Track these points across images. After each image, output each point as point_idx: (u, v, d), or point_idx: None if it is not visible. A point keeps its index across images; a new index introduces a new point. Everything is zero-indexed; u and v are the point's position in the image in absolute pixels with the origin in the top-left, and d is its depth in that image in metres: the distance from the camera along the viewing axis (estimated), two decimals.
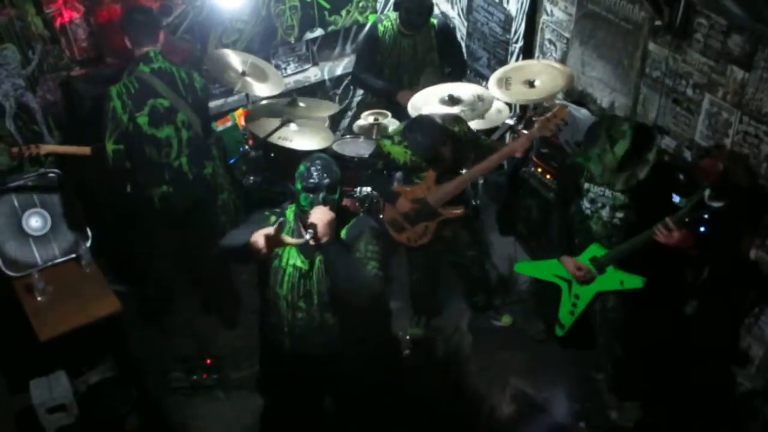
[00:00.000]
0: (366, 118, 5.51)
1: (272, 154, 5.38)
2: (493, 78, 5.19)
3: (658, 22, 4.49)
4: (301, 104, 5.00)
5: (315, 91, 6.31)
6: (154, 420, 4.56)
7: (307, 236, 3.20)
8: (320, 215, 3.23)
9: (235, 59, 5.36)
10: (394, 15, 5.52)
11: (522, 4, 5.62)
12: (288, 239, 3.27)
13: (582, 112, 5.04)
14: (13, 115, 4.99)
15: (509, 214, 5.76)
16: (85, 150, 4.69)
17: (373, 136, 5.41)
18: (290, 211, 3.54)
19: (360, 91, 6.55)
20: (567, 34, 5.34)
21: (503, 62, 5.97)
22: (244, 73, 5.29)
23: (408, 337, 5.19)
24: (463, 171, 4.64)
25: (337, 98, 6.46)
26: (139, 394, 4.50)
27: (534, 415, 2.54)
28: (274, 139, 5.21)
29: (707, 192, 3.65)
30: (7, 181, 4.69)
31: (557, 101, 5.21)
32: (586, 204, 4.12)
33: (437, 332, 5.28)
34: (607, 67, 5.08)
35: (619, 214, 4.03)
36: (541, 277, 4.61)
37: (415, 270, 5.03)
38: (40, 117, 5.11)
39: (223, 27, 5.71)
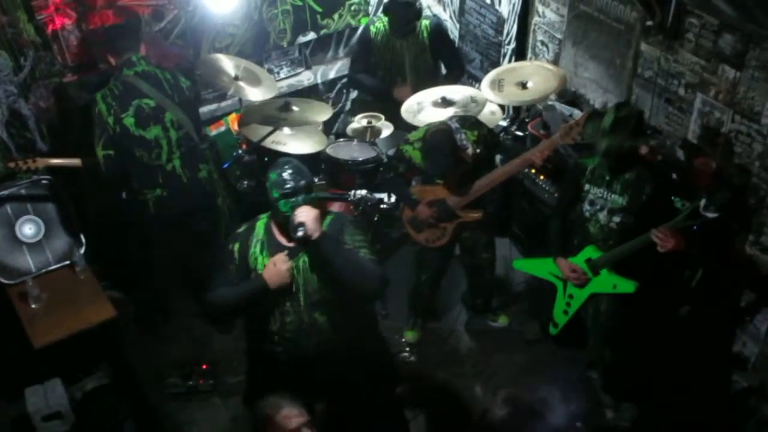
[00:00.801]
0: (359, 121, 5.51)
1: (266, 159, 5.37)
2: (486, 80, 5.20)
3: (649, 23, 4.50)
4: (295, 108, 4.99)
5: (308, 95, 6.30)
6: (150, 426, 4.54)
7: (300, 234, 3.22)
8: (306, 213, 3.27)
9: (227, 64, 5.35)
10: (386, 17, 5.52)
11: (514, 6, 5.63)
12: (281, 258, 3.37)
13: (575, 114, 5.04)
14: (5, 122, 4.98)
15: (504, 215, 5.76)
16: (76, 162, 4.68)
17: (367, 139, 5.41)
18: (261, 223, 3.56)
19: (353, 95, 6.55)
20: (559, 36, 5.35)
21: (496, 64, 5.98)
22: (237, 78, 5.29)
23: (404, 340, 5.19)
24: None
25: (330, 101, 6.46)
26: (135, 401, 4.48)
27: (526, 418, 2.53)
28: (268, 143, 5.21)
29: (703, 202, 3.67)
30: (0, 188, 4.68)
31: (550, 102, 5.23)
32: (586, 206, 4.13)
33: (433, 334, 5.28)
34: (599, 67, 5.09)
35: (617, 218, 4.05)
36: (538, 274, 4.61)
37: (426, 270, 5.01)
38: (33, 124, 5.10)
39: (216, 31, 5.70)
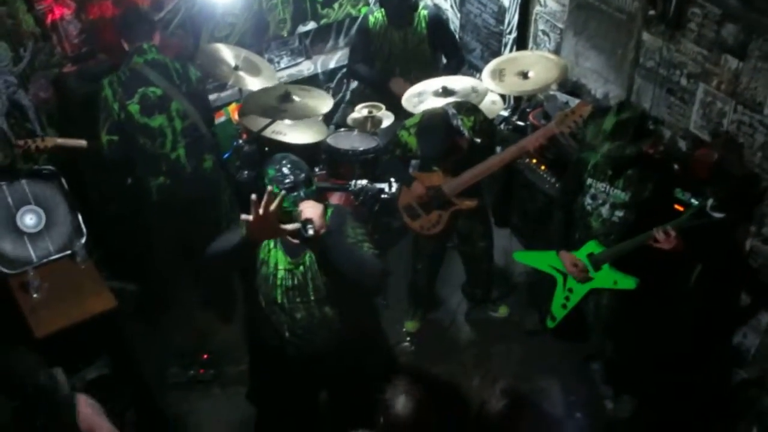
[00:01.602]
0: (360, 111, 5.50)
1: (266, 148, 5.36)
2: (487, 70, 5.19)
3: (651, 12, 4.49)
4: (295, 98, 4.98)
5: (308, 85, 6.28)
6: (151, 416, 4.55)
7: (310, 233, 3.13)
8: (312, 209, 3.20)
9: (227, 54, 5.34)
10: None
11: None
12: (286, 227, 3.15)
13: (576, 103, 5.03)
14: (5, 113, 4.97)
15: (504, 206, 5.76)
16: (81, 143, 4.67)
17: (368, 129, 5.39)
18: None
19: (353, 85, 6.54)
20: (560, 25, 5.33)
21: (497, 54, 5.96)
22: (236, 68, 5.27)
23: (404, 330, 5.20)
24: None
25: (330, 91, 6.45)
26: (135, 391, 4.49)
27: (525, 410, 2.54)
28: (268, 133, 5.20)
29: (710, 201, 3.65)
30: (0, 178, 4.67)
31: (552, 92, 5.22)
32: (588, 200, 4.12)
33: (433, 324, 5.29)
34: (600, 57, 5.08)
35: (619, 213, 4.03)
36: (538, 267, 4.61)
37: (421, 259, 5.02)
38: (33, 114, 5.09)
39: (215, 21, 5.69)
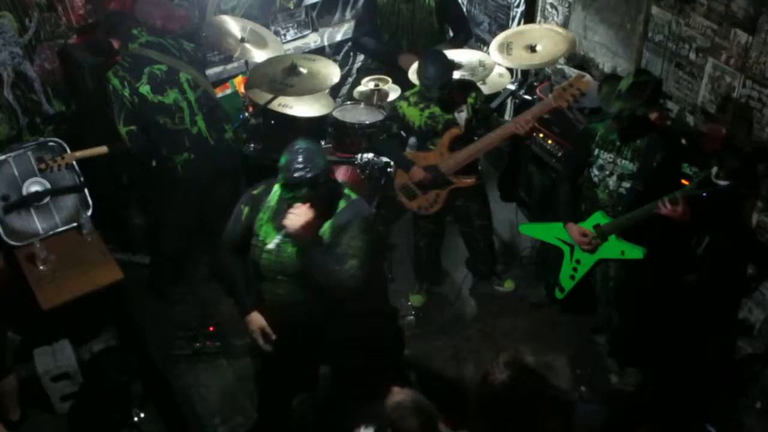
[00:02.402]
0: (366, 84, 5.48)
1: (272, 121, 5.35)
2: (495, 43, 5.16)
3: None
4: (302, 70, 4.95)
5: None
6: (157, 387, 4.58)
7: (274, 242, 3.21)
8: (295, 218, 3.17)
9: (233, 26, 5.31)
10: None
11: None
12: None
13: (585, 77, 5.00)
14: (11, 84, 4.96)
15: (511, 180, 5.75)
16: (102, 150, 4.66)
17: (374, 102, 5.37)
18: (278, 187, 3.42)
19: (360, 57, 6.51)
20: None
21: (504, 27, 5.92)
22: (243, 40, 5.25)
23: (410, 304, 5.21)
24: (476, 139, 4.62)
25: (337, 64, 6.42)
26: (142, 362, 4.52)
27: (529, 382, 2.54)
28: (275, 106, 5.19)
29: (714, 170, 3.63)
30: (7, 150, 4.67)
31: (559, 66, 5.18)
32: (594, 171, 4.10)
33: (439, 298, 5.30)
34: (609, 31, 5.04)
35: (626, 184, 4.01)
36: (545, 239, 4.60)
37: (422, 237, 5.02)
38: (38, 86, 5.09)
39: None
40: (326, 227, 3.34)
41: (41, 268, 4.44)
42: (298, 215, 3.18)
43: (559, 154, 5.05)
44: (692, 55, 4.45)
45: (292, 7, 6.08)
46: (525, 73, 5.76)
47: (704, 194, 3.67)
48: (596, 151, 4.06)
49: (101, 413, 4.36)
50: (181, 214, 4.91)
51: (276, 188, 3.44)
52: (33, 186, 4.66)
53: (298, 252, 3.32)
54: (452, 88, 4.45)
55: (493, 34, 5.64)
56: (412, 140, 4.83)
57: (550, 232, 4.49)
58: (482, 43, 6.21)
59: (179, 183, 4.70)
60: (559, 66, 5.21)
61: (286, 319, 3.56)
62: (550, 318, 5.04)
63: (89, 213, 4.73)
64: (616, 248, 4.12)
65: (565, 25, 5.40)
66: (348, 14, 6.43)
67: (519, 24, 5.80)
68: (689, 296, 4.45)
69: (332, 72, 5.04)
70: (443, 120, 4.49)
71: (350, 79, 6.63)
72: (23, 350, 4.54)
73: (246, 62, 5.45)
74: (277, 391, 4.03)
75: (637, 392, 4.54)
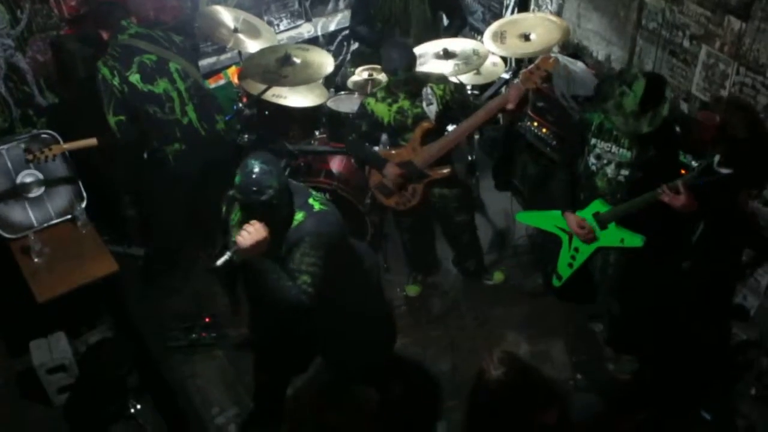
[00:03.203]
0: (360, 74, 5.47)
1: (266, 112, 5.34)
2: (488, 32, 5.14)
3: None
4: (296, 60, 4.94)
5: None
6: (153, 379, 4.59)
7: (222, 259, 3.16)
8: (247, 236, 3.12)
9: (226, 16, 5.29)
10: None
11: None
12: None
13: (578, 65, 5.00)
14: (3, 76, 4.94)
15: (505, 169, 5.75)
16: (92, 142, 4.65)
17: (368, 92, 5.36)
18: None
19: (354, 47, 6.49)
20: None
21: (498, 16, 5.92)
22: (236, 30, 5.22)
23: (404, 294, 5.21)
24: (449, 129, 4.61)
25: (330, 54, 6.41)
26: (138, 354, 4.52)
27: (523, 378, 2.56)
28: (269, 96, 5.18)
29: (716, 158, 3.61)
30: (0, 142, 4.66)
31: (553, 54, 5.18)
32: (592, 160, 4.08)
33: (434, 288, 5.30)
34: (603, 19, 5.04)
35: (624, 172, 3.99)
36: (542, 227, 4.59)
37: (404, 232, 5.02)
38: (31, 78, 5.06)
39: None
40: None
41: (36, 260, 4.44)
42: (250, 234, 3.13)
43: (554, 142, 5.06)
44: (686, 43, 4.44)
45: None
46: (519, 61, 5.76)
47: (704, 182, 3.67)
48: (593, 141, 4.05)
49: (97, 405, 4.36)
50: (173, 204, 4.90)
51: None
52: (26, 178, 4.65)
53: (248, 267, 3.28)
54: (415, 76, 4.42)
55: (487, 23, 5.63)
56: (384, 137, 4.81)
57: (548, 220, 4.48)
58: (476, 32, 6.20)
59: (170, 174, 4.69)
60: (553, 54, 5.20)
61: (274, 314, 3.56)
62: (545, 306, 5.05)
63: (83, 205, 4.73)
64: (615, 236, 4.12)
65: (558, 13, 5.39)
66: (341, 4, 6.41)
67: (513, 13, 5.80)
68: (685, 283, 4.46)
69: (326, 62, 5.02)
70: (412, 114, 4.44)
71: (344, 69, 6.62)
72: (18, 343, 4.54)
73: (239, 53, 5.43)
74: (272, 377, 4.04)
75: (633, 380, 4.56)
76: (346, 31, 6.31)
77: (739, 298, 4.46)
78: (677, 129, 4.32)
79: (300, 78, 4.92)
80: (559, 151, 4.94)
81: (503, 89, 5.60)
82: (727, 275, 4.46)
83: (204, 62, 5.65)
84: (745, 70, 4.09)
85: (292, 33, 6.24)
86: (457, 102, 4.53)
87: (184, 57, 4.59)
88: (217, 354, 4.83)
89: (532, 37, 4.99)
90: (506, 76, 5.53)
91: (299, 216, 3.32)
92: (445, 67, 4.92)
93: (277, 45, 5.35)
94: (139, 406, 4.40)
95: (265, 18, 5.97)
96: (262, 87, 5.07)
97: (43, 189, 4.68)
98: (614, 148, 3.98)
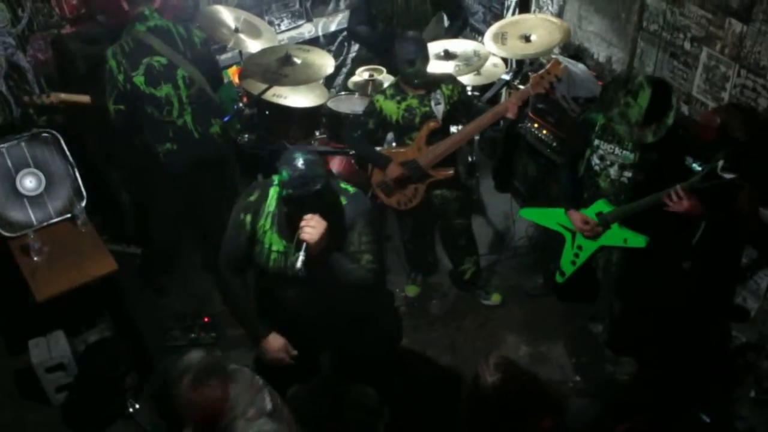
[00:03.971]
0: (361, 75, 5.46)
1: (267, 112, 5.34)
2: (489, 33, 5.15)
3: None
4: (296, 60, 4.94)
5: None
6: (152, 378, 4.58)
7: (300, 260, 3.11)
8: (311, 231, 3.11)
9: (227, 16, 5.29)
10: None
11: None
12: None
13: (579, 67, 5.00)
14: (4, 74, 4.94)
15: (505, 171, 5.75)
16: (85, 98, 4.68)
17: (369, 92, 5.36)
18: (273, 192, 3.39)
19: (355, 48, 6.49)
20: None
21: (499, 17, 5.91)
22: (237, 30, 5.23)
23: (404, 294, 5.21)
24: (453, 131, 4.61)
25: (331, 54, 6.40)
26: (137, 353, 4.52)
27: (519, 383, 2.56)
28: (269, 96, 5.18)
29: (720, 163, 3.60)
30: (0, 141, 4.66)
31: (553, 56, 5.17)
32: (595, 160, 4.08)
33: (434, 289, 5.30)
34: (604, 20, 5.03)
35: (628, 173, 3.99)
36: (546, 224, 4.59)
37: (405, 231, 5.02)
38: (32, 76, 5.07)
39: None
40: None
41: (35, 259, 4.43)
42: (315, 227, 3.12)
43: (554, 144, 5.06)
44: (687, 45, 4.44)
45: None
46: (520, 63, 5.75)
47: (706, 187, 3.66)
48: (596, 142, 4.04)
49: (96, 404, 4.36)
50: (165, 202, 4.91)
51: (272, 192, 3.40)
52: (27, 177, 4.65)
53: (313, 262, 3.24)
54: (428, 77, 4.43)
55: (488, 24, 5.63)
56: (390, 136, 4.81)
57: (552, 217, 4.48)
58: (477, 33, 6.20)
59: (161, 171, 4.70)
60: (553, 56, 5.20)
61: (298, 318, 3.55)
62: (545, 308, 5.05)
63: (83, 204, 4.72)
64: (618, 236, 4.12)
65: (559, 14, 5.39)
66: (342, 4, 6.42)
67: (514, 14, 5.80)
68: (685, 284, 4.45)
69: (326, 62, 5.03)
70: (420, 113, 4.44)
71: (344, 69, 6.62)
72: (17, 341, 4.54)
73: (240, 52, 5.43)
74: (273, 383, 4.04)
75: (632, 382, 4.56)
76: (347, 31, 6.31)
77: (739, 301, 4.46)
78: (681, 131, 4.32)
79: (300, 78, 4.92)
80: (560, 152, 4.94)
81: (503, 91, 5.62)
82: (727, 277, 4.46)
83: None
84: (746, 72, 4.09)
85: (293, 33, 6.24)
86: (462, 103, 4.54)
87: (196, 62, 4.56)
88: (216, 354, 4.82)
89: (533, 38, 4.99)
90: (507, 77, 5.52)
91: (342, 200, 3.36)
92: (446, 68, 4.93)
93: (278, 45, 5.36)
94: (137, 406, 4.39)
95: (266, 18, 5.97)
96: (263, 87, 5.08)
97: (43, 188, 4.67)
98: (617, 150, 3.97)
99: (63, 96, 4.63)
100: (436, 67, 4.92)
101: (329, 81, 6.33)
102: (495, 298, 5.17)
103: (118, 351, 4.44)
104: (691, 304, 4.49)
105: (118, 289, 4.59)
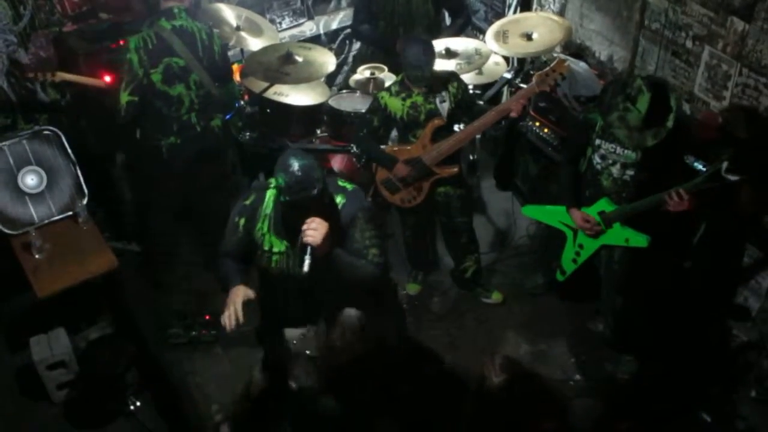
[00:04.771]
0: (362, 73, 5.46)
1: (268, 110, 5.34)
2: (491, 31, 5.15)
3: None
4: (298, 58, 4.94)
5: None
6: (152, 375, 4.59)
7: (307, 263, 3.11)
8: (314, 233, 3.13)
9: (229, 14, 5.29)
10: None
11: None
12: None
13: (580, 65, 4.99)
14: (5, 72, 4.94)
15: (506, 169, 5.74)
16: (100, 82, 4.67)
17: (370, 91, 5.36)
18: (270, 195, 3.40)
19: (356, 46, 6.49)
20: None
21: (501, 15, 5.91)
22: (238, 28, 5.23)
23: (405, 293, 5.21)
24: (457, 128, 4.61)
25: (332, 53, 6.40)
26: (138, 350, 4.52)
27: (524, 384, 2.56)
28: (270, 94, 5.18)
29: (725, 164, 3.59)
30: (2, 139, 4.66)
31: (555, 54, 5.17)
32: (597, 159, 4.07)
33: (434, 287, 5.30)
34: (605, 19, 5.03)
35: (630, 172, 3.98)
36: (547, 221, 4.58)
37: (407, 228, 5.02)
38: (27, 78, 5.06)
39: None
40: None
41: (37, 256, 4.43)
42: (317, 230, 3.14)
43: (555, 143, 5.05)
44: (689, 43, 4.44)
45: None
46: (521, 61, 5.75)
47: (713, 188, 3.65)
48: (597, 141, 4.04)
49: (97, 402, 4.36)
50: (165, 195, 4.93)
51: (269, 195, 3.41)
52: (28, 174, 4.65)
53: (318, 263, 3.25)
54: (434, 73, 4.44)
55: (489, 22, 5.62)
56: (394, 134, 4.81)
57: (553, 215, 4.48)
58: (478, 31, 6.19)
59: (162, 163, 4.71)
60: (555, 54, 5.19)
61: (302, 316, 3.55)
62: (545, 306, 5.05)
63: (85, 201, 4.73)
64: (620, 235, 4.12)
65: (561, 13, 5.38)
66: (343, 2, 6.42)
67: (515, 12, 5.79)
68: (686, 283, 4.46)
69: (328, 60, 5.03)
70: (425, 110, 4.44)
71: (346, 68, 6.62)
72: (18, 339, 4.54)
73: (241, 50, 5.43)
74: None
75: (632, 381, 4.55)
76: (348, 30, 6.30)
77: (740, 300, 4.46)
78: (682, 130, 4.32)
79: (302, 76, 4.93)
80: (561, 151, 4.94)
81: (505, 89, 5.61)
82: (728, 276, 4.45)
83: None
84: (748, 71, 4.08)
85: (295, 31, 6.24)
86: (465, 101, 4.54)
87: (209, 69, 4.58)
88: (216, 351, 4.83)
89: (535, 36, 4.99)
90: (508, 75, 5.52)
91: (339, 199, 3.37)
92: (448, 67, 4.93)
93: (280, 43, 5.36)
94: (138, 403, 4.40)
95: (268, 16, 5.98)
96: (264, 85, 5.08)
97: (44, 185, 4.67)
98: (619, 149, 3.97)
99: (67, 76, 4.64)
100: (437, 65, 4.91)
101: (330, 79, 6.33)
102: (496, 297, 5.17)
103: (119, 348, 4.44)
104: (692, 303, 4.49)
105: (119, 286, 4.59)
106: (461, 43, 5.18)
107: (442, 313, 5.11)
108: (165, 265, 5.32)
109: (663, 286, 4.50)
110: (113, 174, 5.41)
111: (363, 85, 5.44)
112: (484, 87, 5.53)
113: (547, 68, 4.30)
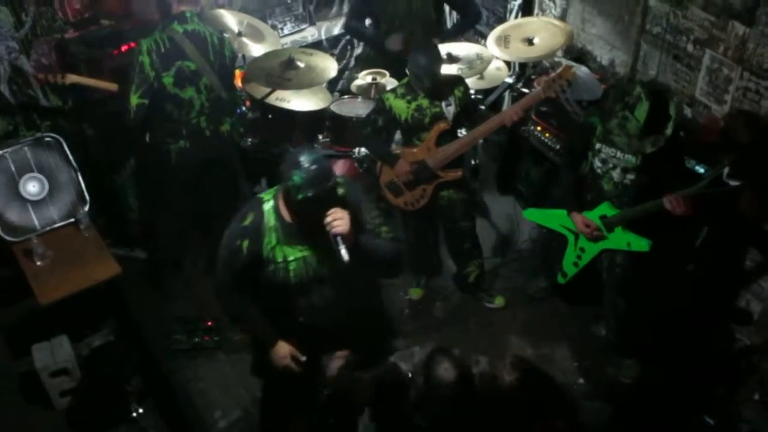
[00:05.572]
0: (364, 78, 5.46)
1: (270, 116, 5.34)
2: (492, 36, 5.15)
3: None
4: (299, 64, 4.94)
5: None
6: (155, 382, 4.59)
7: (344, 252, 3.10)
8: (340, 222, 3.14)
9: (231, 20, 5.30)
10: None
11: None
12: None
13: (582, 70, 5.00)
14: (7, 79, 4.95)
15: (508, 173, 5.75)
16: (113, 86, 4.68)
17: (372, 96, 5.36)
18: (269, 208, 3.35)
19: (357, 51, 6.49)
20: None
21: (502, 20, 5.91)
22: (240, 34, 5.24)
23: (408, 297, 5.21)
24: (462, 133, 4.61)
25: (334, 58, 6.40)
26: (141, 357, 4.52)
27: (537, 383, 2.56)
28: (272, 100, 5.18)
29: (726, 169, 3.59)
30: (4, 146, 4.66)
31: (557, 59, 5.18)
32: (597, 163, 4.08)
33: (437, 291, 5.29)
34: (607, 23, 5.03)
35: (630, 176, 3.99)
36: (549, 225, 4.59)
37: (410, 232, 5.01)
38: (35, 81, 5.07)
39: None
40: None
41: (38, 263, 4.43)
42: (342, 218, 3.15)
43: (557, 147, 5.06)
44: (690, 47, 4.44)
45: (289, 1, 6.06)
46: (523, 66, 5.75)
47: (714, 193, 3.65)
48: (598, 145, 4.04)
49: (100, 409, 4.36)
50: (173, 200, 4.92)
51: (267, 208, 3.35)
52: (30, 181, 4.65)
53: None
54: (440, 81, 4.43)
55: (491, 27, 5.62)
56: (398, 136, 4.80)
57: (555, 219, 4.48)
58: (480, 36, 6.19)
59: (171, 168, 4.71)
60: (556, 59, 5.20)
61: (320, 326, 3.54)
62: (548, 310, 5.05)
63: (86, 208, 4.73)
64: (621, 239, 4.12)
65: (562, 17, 5.39)
66: (345, 8, 6.41)
67: (516, 17, 5.79)
68: (689, 287, 4.45)
69: (329, 66, 5.03)
70: (430, 113, 4.43)
71: (347, 73, 6.62)
72: (21, 346, 4.54)
73: (243, 56, 5.44)
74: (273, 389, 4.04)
75: (635, 384, 4.55)
76: (350, 36, 6.31)
77: (743, 303, 4.45)
78: (681, 134, 4.32)
79: (303, 82, 4.93)
80: (562, 155, 4.94)
81: (506, 94, 5.62)
82: (730, 280, 4.45)
83: None
84: (749, 74, 4.08)
85: (296, 37, 6.24)
86: (467, 105, 4.55)
87: (220, 74, 4.60)
88: (219, 357, 4.83)
89: (536, 41, 4.99)
90: (510, 80, 5.52)
91: (341, 190, 3.39)
92: (449, 71, 4.92)
93: (281, 49, 5.36)
94: (141, 410, 4.39)
95: (269, 22, 5.97)
96: (266, 90, 5.09)
97: (46, 192, 4.67)
98: (619, 154, 3.97)
99: (76, 78, 4.64)
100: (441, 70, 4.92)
101: (332, 84, 6.33)
102: (498, 301, 5.16)
103: (122, 355, 4.44)
104: (695, 306, 4.49)
105: (121, 293, 4.60)
106: (463, 48, 5.19)
107: (445, 318, 5.10)
108: (171, 270, 5.31)
109: (665, 289, 4.50)
110: (118, 181, 5.40)
111: (365, 91, 5.44)
112: (486, 92, 5.54)
113: (554, 74, 4.30)
